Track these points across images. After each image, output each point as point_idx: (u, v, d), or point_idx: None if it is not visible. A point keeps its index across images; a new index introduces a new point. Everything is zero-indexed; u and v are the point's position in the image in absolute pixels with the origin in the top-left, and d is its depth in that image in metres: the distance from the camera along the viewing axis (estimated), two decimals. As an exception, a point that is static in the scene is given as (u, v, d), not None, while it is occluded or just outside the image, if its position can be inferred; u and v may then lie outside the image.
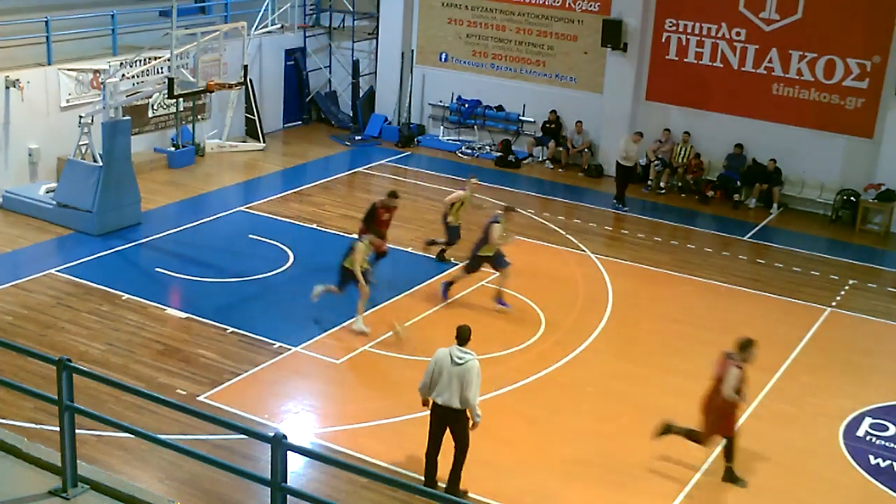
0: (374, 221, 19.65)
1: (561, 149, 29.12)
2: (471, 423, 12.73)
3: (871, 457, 14.84)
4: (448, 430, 12.79)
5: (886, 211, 25.47)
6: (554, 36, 29.44)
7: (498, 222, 18.87)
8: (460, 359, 12.45)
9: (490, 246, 18.87)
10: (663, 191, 27.13)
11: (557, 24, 29.31)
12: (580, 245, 22.65)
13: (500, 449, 14.19)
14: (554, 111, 29.30)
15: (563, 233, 23.41)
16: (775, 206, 26.40)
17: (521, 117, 30.11)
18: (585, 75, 29.19)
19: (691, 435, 13.89)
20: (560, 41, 29.38)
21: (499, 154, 29.24)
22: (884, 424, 15.79)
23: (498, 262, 19.07)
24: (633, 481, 13.86)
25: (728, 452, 13.86)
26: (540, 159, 29.45)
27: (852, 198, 25.91)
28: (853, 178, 26.12)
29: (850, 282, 21.83)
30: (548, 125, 29.34)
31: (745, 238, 24.24)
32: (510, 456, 14.18)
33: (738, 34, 27.16)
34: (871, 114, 26.00)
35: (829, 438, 15.29)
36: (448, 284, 19.35)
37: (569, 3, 29.00)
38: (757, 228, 25.04)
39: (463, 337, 12.67)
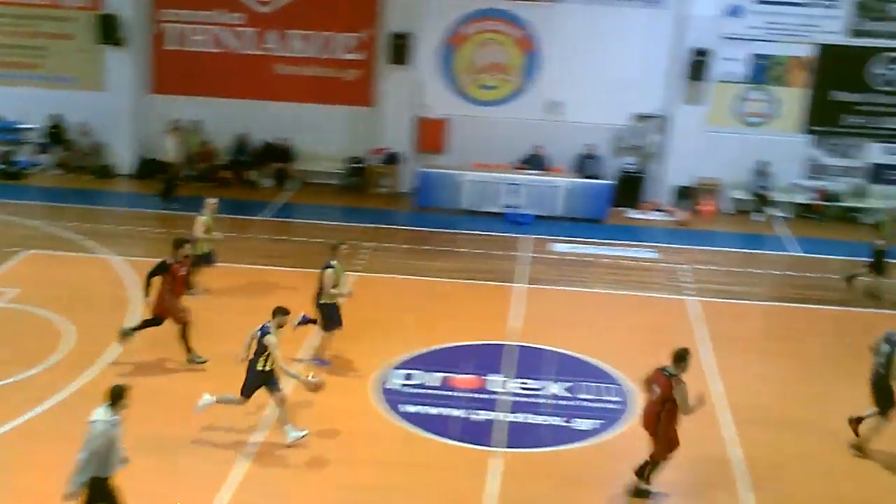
0: (174, 283, 16.52)
1: (67, 153, 27.93)
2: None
3: (402, 405, 15.59)
4: None
5: (392, 173, 26.92)
6: (46, 36, 28.08)
7: (331, 267, 16.66)
8: (92, 422, 11.15)
9: (327, 295, 16.61)
10: (181, 182, 26.78)
11: (48, 23, 27.98)
12: (101, 249, 21.83)
13: (41, 476, 13.07)
14: (56, 114, 28.05)
15: (82, 239, 22.47)
16: (290, 182, 26.97)
17: (20, 125, 28.46)
18: (86, 74, 28.11)
19: (648, 467, 13.45)
20: (54, 41, 28.08)
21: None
22: (409, 374, 16.67)
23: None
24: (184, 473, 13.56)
25: (651, 468, 13.45)
26: (46, 166, 28.10)
27: (360, 164, 27.09)
28: (360, 146, 27.33)
29: (370, 244, 22.75)
30: (51, 130, 28.04)
31: (264, 218, 24.54)
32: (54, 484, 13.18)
33: (235, 19, 27.40)
34: (368, 84, 27.26)
35: (363, 396, 15.84)
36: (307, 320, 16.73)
37: (57, 1, 27.77)
38: (275, 207, 25.45)
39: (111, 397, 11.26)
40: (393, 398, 15.78)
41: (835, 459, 14.80)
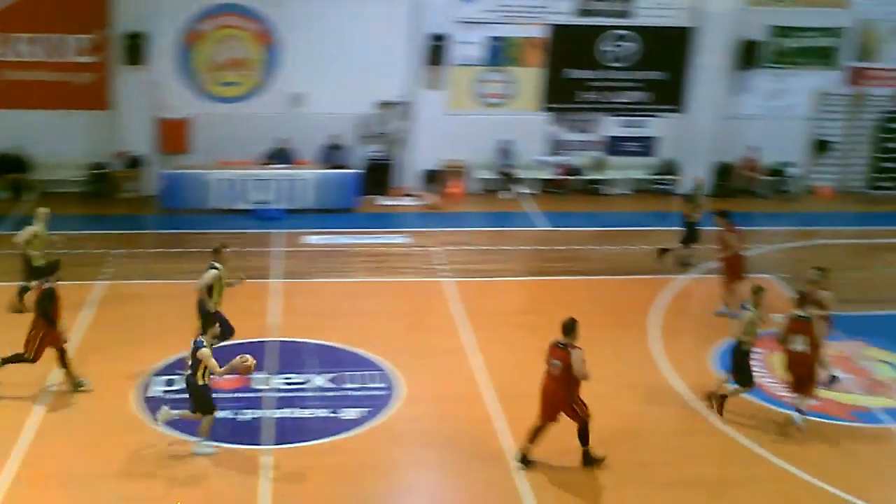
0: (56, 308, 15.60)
1: None
2: None
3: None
4: None
5: (137, 177, 26.29)
6: None
7: (216, 268, 16.40)
8: None
9: (215, 300, 16.41)
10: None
11: None
12: None
13: None
14: None
15: None
16: (28, 193, 25.85)
17: None
18: None
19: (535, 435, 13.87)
20: None
21: None
22: (171, 379, 16.27)
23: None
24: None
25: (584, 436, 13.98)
26: None
27: (103, 170, 26.30)
28: (100, 151, 26.45)
29: (118, 251, 22.08)
30: None
31: (4, 233, 23.31)
32: None
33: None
34: (104, 86, 26.38)
35: (124, 406, 15.38)
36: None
37: None
38: (13, 220, 24.25)
39: None
40: (155, 405, 15.23)
41: (603, 421, 15.42)
